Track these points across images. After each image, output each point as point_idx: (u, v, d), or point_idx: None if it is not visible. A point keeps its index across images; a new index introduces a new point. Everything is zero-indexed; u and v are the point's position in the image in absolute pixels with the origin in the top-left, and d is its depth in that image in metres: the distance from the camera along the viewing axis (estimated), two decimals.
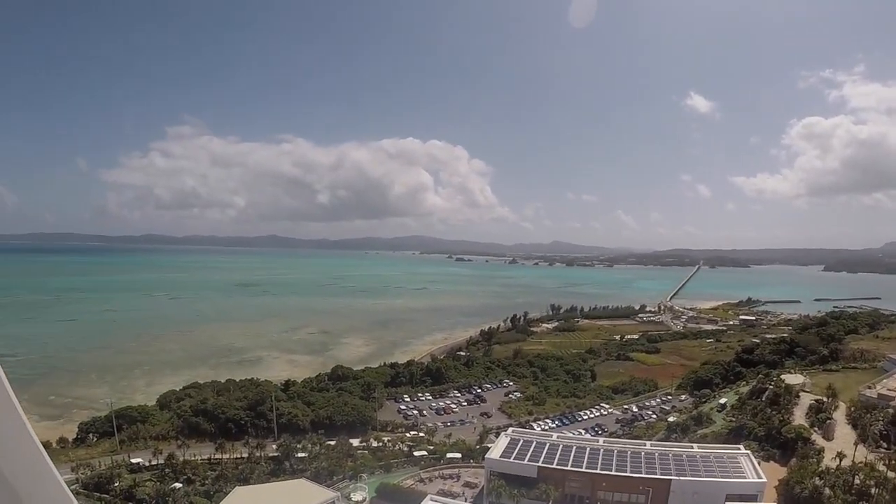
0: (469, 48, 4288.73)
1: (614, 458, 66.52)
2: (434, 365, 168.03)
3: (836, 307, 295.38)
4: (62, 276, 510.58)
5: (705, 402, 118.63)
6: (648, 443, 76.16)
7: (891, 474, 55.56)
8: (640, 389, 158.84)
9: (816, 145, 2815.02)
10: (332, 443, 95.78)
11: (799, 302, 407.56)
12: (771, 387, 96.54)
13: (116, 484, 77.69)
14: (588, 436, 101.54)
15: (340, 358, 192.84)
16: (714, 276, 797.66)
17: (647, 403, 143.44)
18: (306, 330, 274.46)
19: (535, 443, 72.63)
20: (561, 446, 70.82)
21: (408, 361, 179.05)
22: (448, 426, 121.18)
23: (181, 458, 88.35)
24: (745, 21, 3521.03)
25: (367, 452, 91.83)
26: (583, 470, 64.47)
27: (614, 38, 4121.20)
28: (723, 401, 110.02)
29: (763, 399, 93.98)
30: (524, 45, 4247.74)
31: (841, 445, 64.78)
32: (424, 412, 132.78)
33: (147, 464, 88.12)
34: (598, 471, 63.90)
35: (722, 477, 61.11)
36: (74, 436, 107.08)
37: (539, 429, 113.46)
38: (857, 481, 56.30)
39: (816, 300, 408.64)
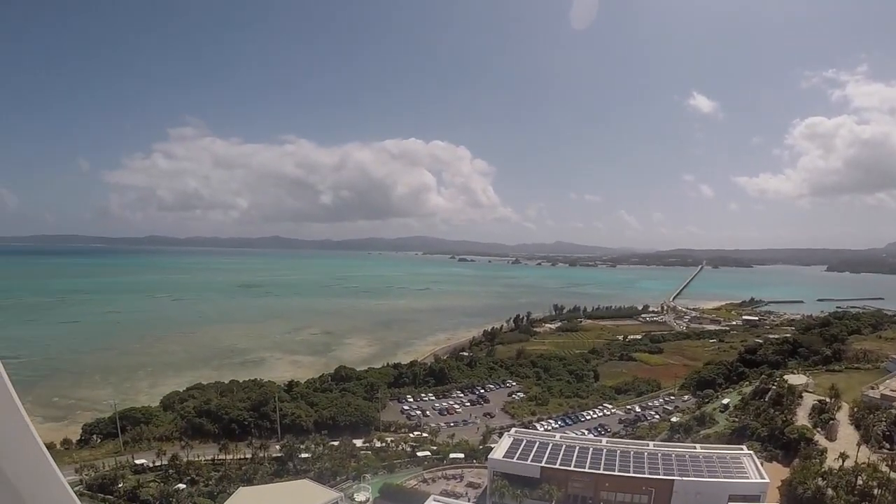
0: (472, 48, 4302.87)
1: (617, 459, 66.48)
2: (437, 365, 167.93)
3: (840, 307, 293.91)
4: (64, 278, 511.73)
5: (708, 402, 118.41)
6: (651, 443, 76.15)
7: (893, 475, 55.45)
8: (643, 390, 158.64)
9: (819, 145, 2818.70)
10: (336, 443, 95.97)
11: (802, 302, 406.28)
12: (774, 387, 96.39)
13: (120, 485, 77.96)
14: (591, 436, 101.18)
15: (343, 358, 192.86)
16: (717, 276, 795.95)
17: (649, 404, 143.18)
18: (309, 331, 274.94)
19: (538, 443, 72.65)
20: (564, 447, 70.78)
21: (411, 362, 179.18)
22: (451, 426, 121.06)
23: (185, 459, 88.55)
24: (747, 21, 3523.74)
25: (371, 453, 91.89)
26: (586, 470, 64.43)
27: (617, 38, 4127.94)
28: (726, 401, 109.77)
29: (766, 399, 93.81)
30: (526, 46, 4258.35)
31: (844, 446, 64.60)
32: (427, 412, 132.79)
33: (151, 465, 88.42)
34: (601, 471, 63.88)
35: (725, 477, 60.99)
36: (78, 437, 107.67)
37: (542, 429, 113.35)
38: (859, 482, 56.14)
39: (819, 300, 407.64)
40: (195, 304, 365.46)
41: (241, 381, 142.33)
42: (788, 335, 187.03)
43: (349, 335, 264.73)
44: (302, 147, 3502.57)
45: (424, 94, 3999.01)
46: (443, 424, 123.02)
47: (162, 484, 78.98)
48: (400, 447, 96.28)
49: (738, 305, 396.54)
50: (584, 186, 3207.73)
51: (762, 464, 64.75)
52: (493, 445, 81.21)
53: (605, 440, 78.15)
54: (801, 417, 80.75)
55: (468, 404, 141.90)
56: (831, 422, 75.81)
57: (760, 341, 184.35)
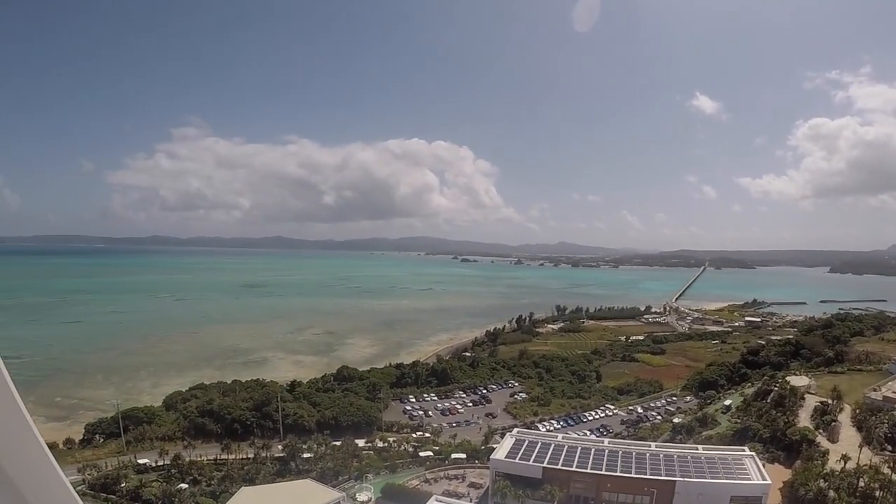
0: (474, 49, 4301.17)
1: (619, 459, 66.47)
2: (439, 365, 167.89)
3: (842, 309, 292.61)
4: (67, 278, 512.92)
5: (710, 403, 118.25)
6: (653, 444, 76.04)
7: (895, 477, 55.30)
8: (646, 390, 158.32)
9: (822, 146, 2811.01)
10: (338, 443, 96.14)
11: (804, 304, 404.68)
12: (776, 388, 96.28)
13: (123, 484, 78.30)
14: (593, 437, 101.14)
15: (346, 359, 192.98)
16: (719, 277, 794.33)
17: (652, 404, 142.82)
18: (312, 331, 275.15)
19: (540, 443, 72.67)
20: (566, 447, 70.80)
21: (413, 362, 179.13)
22: (453, 427, 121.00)
23: (187, 459, 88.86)
24: (750, 21, 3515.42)
25: (373, 453, 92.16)
26: (588, 471, 64.45)
27: (619, 39, 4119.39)
28: (728, 402, 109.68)
29: (768, 401, 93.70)
30: (529, 46, 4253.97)
31: (846, 448, 64.54)
32: (430, 413, 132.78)
33: (153, 464, 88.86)
34: (603, 472, 63.90)
35: (727, 478, 60.91)
36: (81, 437, 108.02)
37: (544, 429, 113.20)
38: (861, 484, 56.04)
39: (822, 302, 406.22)
40: (198, 304, 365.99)
41: (243, 380, 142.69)
42: (791, 337, 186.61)
43: (352, 335, 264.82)
44: (304, 147, 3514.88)
45: (427, 95, 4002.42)
46: (445, 425, 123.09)
47: (164, 484, 79.26)
48: (402, 447, 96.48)
49: (740, 307, 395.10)
50: (587, 187, 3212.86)
51: (764, 465, 64.67)
52: (495, 446, 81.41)
53: (607, 441, 78.04)
54: (804, 419, 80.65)
55: (470, 404, 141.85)
56: (833, 423, 75.69)
57: (763, 343, 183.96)
